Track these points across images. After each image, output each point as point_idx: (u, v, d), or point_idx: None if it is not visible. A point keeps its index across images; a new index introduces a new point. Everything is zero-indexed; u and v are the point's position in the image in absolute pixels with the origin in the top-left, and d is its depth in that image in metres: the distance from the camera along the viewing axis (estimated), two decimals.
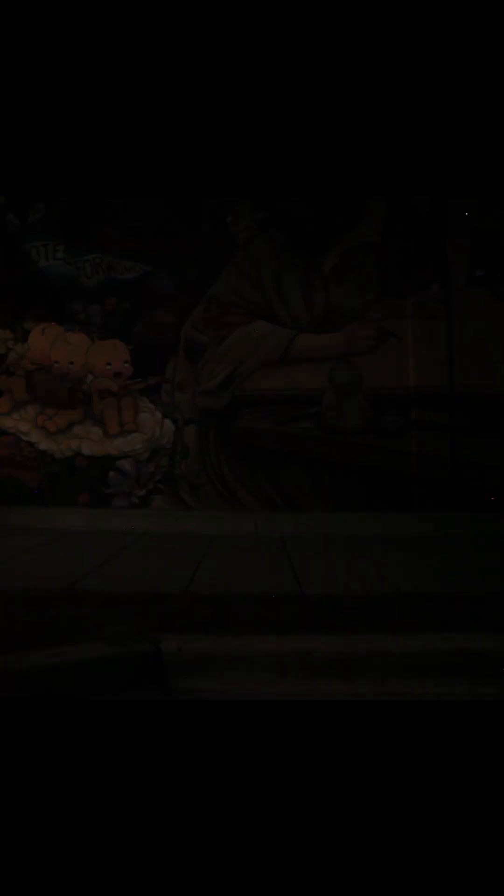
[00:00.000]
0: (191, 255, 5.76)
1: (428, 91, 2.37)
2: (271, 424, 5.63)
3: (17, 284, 5.87)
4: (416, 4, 2.21)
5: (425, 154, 2.65)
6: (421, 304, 5.57)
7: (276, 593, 3.14)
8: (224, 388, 5.68)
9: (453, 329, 5.52)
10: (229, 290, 5.73)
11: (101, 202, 5.82)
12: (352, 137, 2.54)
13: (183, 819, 1.39)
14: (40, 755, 1.57)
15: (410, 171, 2.80)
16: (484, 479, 5.39)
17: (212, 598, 3.04)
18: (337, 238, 5.68)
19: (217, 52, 2.30)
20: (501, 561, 4.05)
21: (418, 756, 1.59)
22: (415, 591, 3.21)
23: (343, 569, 3.79)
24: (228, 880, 1.24)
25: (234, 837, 1.34)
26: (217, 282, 5.74)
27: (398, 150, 2.59)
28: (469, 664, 2.29)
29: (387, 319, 5.60)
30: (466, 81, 2.35)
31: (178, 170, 2.86)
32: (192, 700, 2.14)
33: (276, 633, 2.46)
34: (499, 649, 2.33)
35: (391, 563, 3.93)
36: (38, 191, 5.72)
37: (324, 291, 5.68)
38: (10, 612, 2.75)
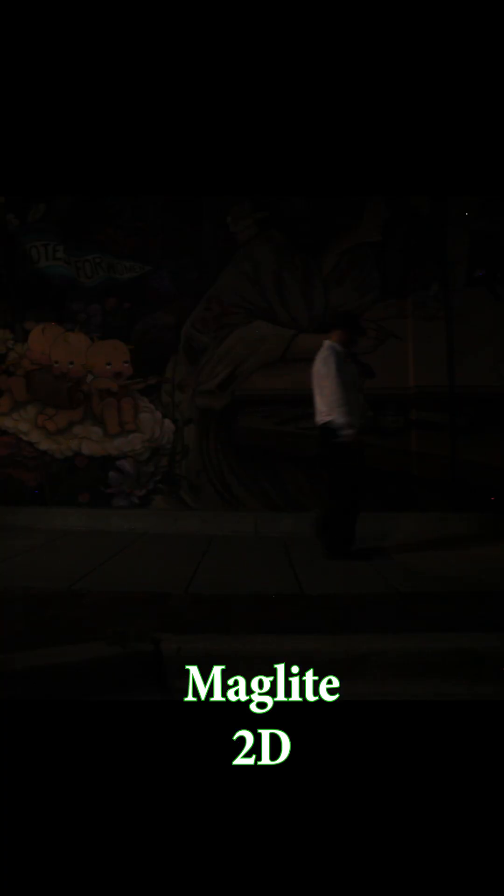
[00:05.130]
0: (191, 255, 5.76)
1: (427, 93, 2.38)
2: (271, 424, 5.63)
3: (17, 284, 5.87)
4: (415, 7, 2.22)
5: (425, 155, 2.65)
6: (421, 304, 5.57)
7: (276, 593, 3.14)
8: (224, 388, 5.68)
9: (453, 329, 5.52)
10: (229, 290, 5.73)
11: (102, 202, 5.82)
12: (352, 139, 2.55)
13: (183, 819, 1.39)
14: (40, 756, 1.57)
15: (410, 172, 2.81)
16: (484, 479, 5.39)
17: (212, 598, 3.04)
18: (337, 238, 5.68)
19: (218, 54, 2.30)
20: (501, 561, 4.05)
21: (418, 756, 1.59)
22: (414, 591, 3.21)
23: (343, 569, 3.79)
24: (228, 880, 1.24)
25: (234, 837, 1.34)
26: (217, 282, 5.73)
27: (398, 151, 2.59)
28: (469, 664, 2.30)
29: (387, 319, 5.60)
30: (465, 83, 2.35)
31: (179, 170, 2.86)
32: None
33: (276, 633, 2.46)
34: (499, 649, 2.33)
35: (391, 564, 3.93)
36: (38, 191, 5.73)
37: (324, 291, 5.68)
38: (9, 612, 2.76)
